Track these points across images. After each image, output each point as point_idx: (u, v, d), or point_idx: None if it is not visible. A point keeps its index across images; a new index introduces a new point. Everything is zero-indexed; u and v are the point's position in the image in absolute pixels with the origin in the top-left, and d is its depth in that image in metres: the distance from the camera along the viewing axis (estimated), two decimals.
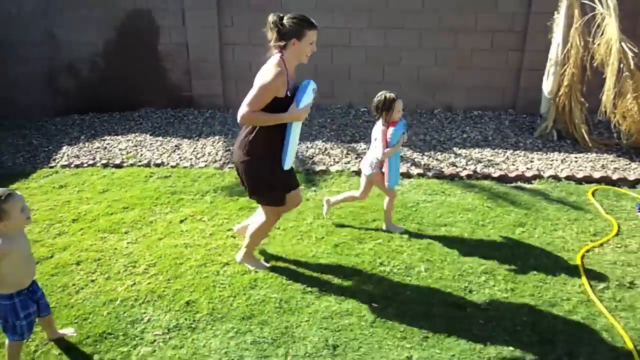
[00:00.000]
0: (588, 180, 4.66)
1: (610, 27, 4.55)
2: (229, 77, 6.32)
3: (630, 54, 4.51)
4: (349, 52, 6.09)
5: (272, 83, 2.77)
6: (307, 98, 2.89)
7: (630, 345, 2.65)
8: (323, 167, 4.86)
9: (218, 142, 5.50)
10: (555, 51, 5.03)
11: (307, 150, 5.24)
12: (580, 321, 2.85)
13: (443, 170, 4.81)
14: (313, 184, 4.61)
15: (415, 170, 4.79)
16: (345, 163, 4.96)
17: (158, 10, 6.14)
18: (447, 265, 3.36)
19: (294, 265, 3.36)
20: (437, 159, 5.05)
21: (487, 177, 4.72)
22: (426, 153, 5.18)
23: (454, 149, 5.27)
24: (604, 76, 4.78)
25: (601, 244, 3.65)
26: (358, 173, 4.75)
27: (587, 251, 3.56)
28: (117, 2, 6.16)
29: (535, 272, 3.30)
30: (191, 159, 5.16)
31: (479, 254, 3.47)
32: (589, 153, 5.17)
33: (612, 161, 5.03)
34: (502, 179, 4.69)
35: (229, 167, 4.92)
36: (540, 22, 5.33)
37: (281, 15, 2.81)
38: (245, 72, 6.19)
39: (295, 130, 2.95)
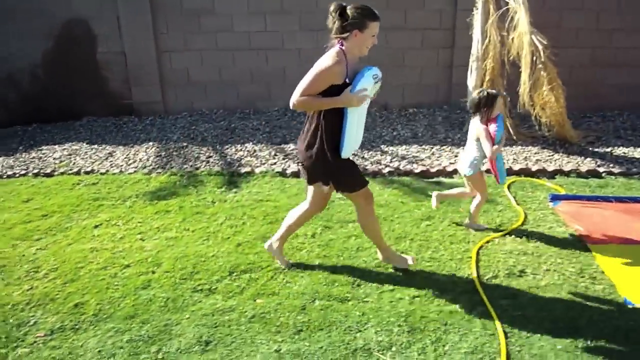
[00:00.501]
0: (508, 172, 4.72)
1: (522, 21, 4.61)
2: (168, 83, 6.37)
3: (540, 47, 4.57)
4: (283, 55, 6.15)
5: (328, 70, 2.69)
6: (364, 83, 2.74)
7: (500, 333, 2.69)
8: (248, 169, 4.90)
9: (151, 148, 5.53)
10: (475, 47, 5.10)
11: (235, 153, 5.28)
12: (458, 310, 2.89)
13: (367, 167, 4.85)
14: (235, 185, 4.64)
15: None
16: (272, 164, 5.00)
17: (94, 19, 6.18)
18: (342, 261, 3.40)
19: (191, 266, 3.39)
20: (363, 157, 5.10)
21: (409, 173, 4.77)
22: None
23: (382, 146, 5.33)
24: (520, 69, 4.85)
25: (504, 235, 3.70)
26: (282, 174, 4.80)
27: (488, 242, 3.61)
28: (54, 12, 6.20)
29: (429, 264, 3.35)
30: (122, 165, 5.19)
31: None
32: (514, 146, 5.24)
33: (535, 153, 5.10)
34: (424, 175, 4.74)
35: (157, 172, 4.96)
36: (466, 18, 5.40)
37: (344, 4, 2.69)
38: (184, 78, 6.34)
39: (352, 117, 2.81)
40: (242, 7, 5.98)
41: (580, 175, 4.68)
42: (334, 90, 2.74)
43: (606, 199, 4.14)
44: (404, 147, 5.30)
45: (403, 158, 5.06)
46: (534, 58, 4.67)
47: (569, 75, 5.96)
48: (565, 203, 4.10)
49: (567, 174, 4.69)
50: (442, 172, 4.75)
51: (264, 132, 5.76)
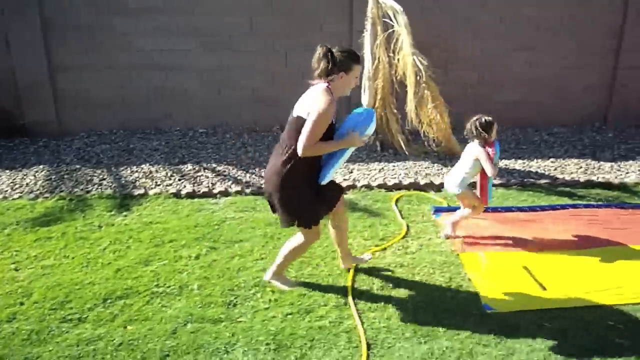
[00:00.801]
0: (398, 187, 4.92)
1: (405, 42, 4.85)
2: (63, 102, 6.15)
3: (421, 67, 4.82)
4: (184, 74, 6.12)
5: (327, 113, 2.75)
6: (372, 127, 2.98)
7: (363, 345, 2.78)
8: (142, 191, 4.81)
9: (41, 172, 5.30)
10: (367, 67, 5.29)
11: (130, 175, 5.17)
12: (327, 325, 2.96)
13: (262, 186, 4.89)
14: (125, 208, 4.54)
15: (234, 188, 4.84)
16: (167, 185, 4.94)
17: None
18: (220, 282, 3.40)
19: (63, 295, 3.27)
20: (260, 176, 5.13)
21: None
22: (251, 171, 5.26)
23: None
24: (406, 88, 5.09)
25: (384, 248, 3.84)
26: (176, 194, 4.74)
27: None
28: None
29: (308, 280, 3.42)
30: (7, 190, 4.94)
31: (257, 268, 3.54)
32: (407, 161, 5.46)
33: (426, 167, 5.34)
34: None
35: (44, 197, 4.76)
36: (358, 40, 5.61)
37: (330, 47, 2.83)
38: (81, 96, 6.14)
39: (347, 153, 2.99)
40: (143, 25, 5.90)
41: None
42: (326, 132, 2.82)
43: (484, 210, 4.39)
44: None
45: None
46: (418, 77, 4.92)
47: (463, 93, 6.35)
48: (446, 214, 4.31)
49: None
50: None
51: (163, 153, 5.68)
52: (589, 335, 2.89)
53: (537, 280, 3.40)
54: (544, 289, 3.32)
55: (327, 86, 2.84)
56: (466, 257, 3.69)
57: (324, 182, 3.00)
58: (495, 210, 4.40)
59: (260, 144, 5.94)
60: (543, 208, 4.46)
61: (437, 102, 4.97)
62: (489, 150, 3.71)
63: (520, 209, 4.44)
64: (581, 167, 5.47)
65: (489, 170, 3.69)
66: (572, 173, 5.33)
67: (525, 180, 5.11)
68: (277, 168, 2.91)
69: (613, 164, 5.61)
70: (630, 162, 5.68)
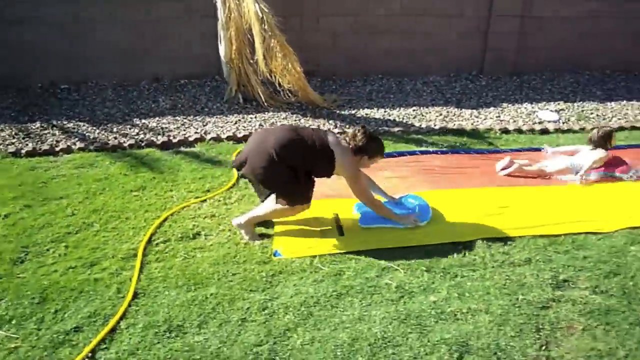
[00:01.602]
0: (248, 138, 4.85)
1: None
2: None
3: (261, 15, 4.71)
4: (43, 27, 5.81)
5: (357, 174, 3.32)
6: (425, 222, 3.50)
7: (130, 295, 2.78)
8: None
9: None
10: (220, 15, 5.14)
11: None
12: (104, 277, 2.95)
13: (109, 142, 4.78)
14: None
15: (78, 145, 4.71)
16: (8, 144, 4.75)
17: None
18: (18, 239, 3.32)
19: None
20: (111, 132, 5.01)
21: (150, 144, 4.76)
22: (103, 126, 5.12)
23: (135, 119, 5.26)
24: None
25: (204, 200, 3.82)
26: (15, 154, 4.58)
27: (184, 208, 3.70)
28: None
29: (106, 234, 3.38)
30: None
31: (63, 224, 3.48)
32: (267, 113, 5.40)
33: (284, 118, 5.30)
34: (165, 146, 4.76)
35: None
36: None
37: (368, 132, 3.30)
38: None
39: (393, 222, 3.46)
40: None
41: None
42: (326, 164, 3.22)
43: None
44: (157, 119, 5.28)
45: (151, 130, 5.04)
46: (263, 26, 4.80)
47: (332, 42, 6.28)
48: None
49: None
50: (184, 142, 4.80)
51: (14, 111, 5.45)
52: (359, 277, 2.96)
53: (339, 225, 3.46)
54: (342, 234, 3.38)
55: (352, 156, 3.28)
56: None
57: (362, 226, 3.47)
58: None
59: (122, 99, 5.76)
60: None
61: (285, 51, 4.88)
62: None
63: None
64: (441, 115, 5.54)
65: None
66: (430, 121, 5.39)
67: (380, 128, 5.14)
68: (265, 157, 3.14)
69: (474, 111, 5.70)
70: (492, 109, 5.78)
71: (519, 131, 5.27)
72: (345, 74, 6.44)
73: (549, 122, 5.53)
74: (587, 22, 6.77)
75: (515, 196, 3.89)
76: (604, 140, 4.32)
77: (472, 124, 5.36)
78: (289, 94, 5.35)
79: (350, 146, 3.27)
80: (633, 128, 5.51)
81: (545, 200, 3.86)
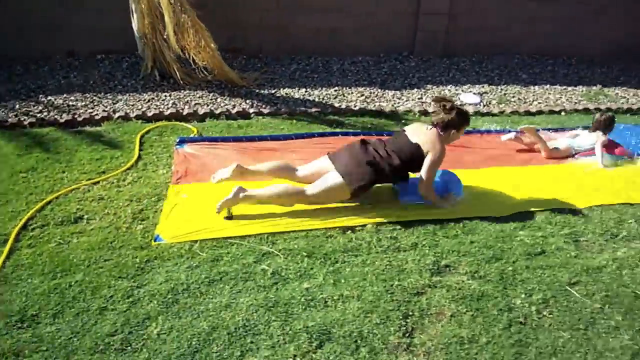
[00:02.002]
0: (158, 117, 4.70)
1: None
2: None
3: None
4: None
5: (443, 157, 3.38)
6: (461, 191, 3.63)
7: None
8: None
9: None
10: None
11: None
12: None
13: (8, 120, 4.52)
14: None
15: None
16: None
17: None
18: None
19: None
20: (12, 109, 4.73)
21: (53, 123, 4.53)
22: (4, 103, 4.83)
23: (40, 96, 5.00)
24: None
25: (96, 182, 3.65)
26: None
27: (73, 190, 3.53)
28: None
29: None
30: None
31: None
32: (183, 91, 5.22)
33: (200, 97, 5.13)
34: (69, 124, 4.53)
35: None
36: None
37: (452, 104, 3.37)
38: None
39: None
40: None
41: (229, 117, 4.80)
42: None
43: (226, 140, 4.28)
44: (64, 96, 5.02)
45: (56, 108, 4.79)
46: (171, 0, 4.60)
47: (259, 19, 6.10)
48: (190, 145, 4.17)
49: (217, 116, 4.79)
50: (90, 121, 4.58)
51: None
52: (235, 263, 2.88)
53: (229, 210, 3.35)
54: (231, 218, 3.28)
55: (441, 134, 3.37)
56: (174, 189, 3.58)
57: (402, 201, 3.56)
58: (238, 139, 4.29)
59: (30, 75, 5.45)
60: (288, 137, 4.40)
61: (197, 26, 4.70)
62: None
63: (263, 138, 4.35)
64: (363, 96, 5.47)
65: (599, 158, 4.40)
66: (350, 102, 5.32)
67: (297, 108, 5.04)
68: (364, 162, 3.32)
69: (397, 92, 5.65)
70: (415, 90, 5.74)
71: None
72: (272, 53, 6.29)
73: (470, 104, 5.53)
74: (517, 6, 6.77)
75: None
76: (605, 124, 4.52)
77: (392, 105, 5.31)
78: (205, 72, 5.17)
79: (438, 127, 3.37)
80: (551, 112, 5.57)
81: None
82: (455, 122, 3.35)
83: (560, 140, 4.62)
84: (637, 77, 6.88)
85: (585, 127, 4.81)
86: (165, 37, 5.04)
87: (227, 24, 5.96)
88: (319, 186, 3.30)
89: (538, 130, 4.57)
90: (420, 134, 3.37)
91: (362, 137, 3.83)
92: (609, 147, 4.52)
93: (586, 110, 5.67)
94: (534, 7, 6.83)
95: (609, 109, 5.74)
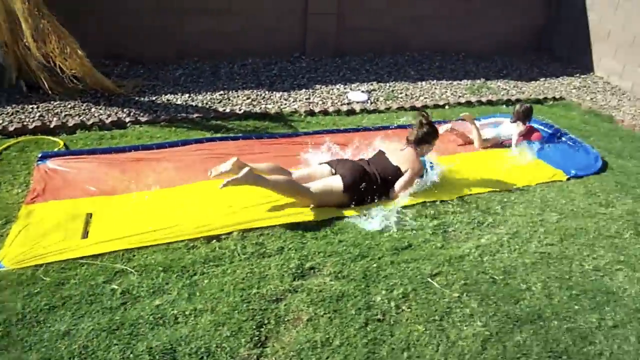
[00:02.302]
0: (22, 131, 4.35)
1: None
2: None
3: None
4: None
5: (419, 174, 3.77)
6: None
7: None
8: None
9: None
10: None
11: None
12: None
13: None
14: None
15: None
16: None
17: None
18: None
19: None
20: None
21: None
22: None
23: None
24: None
25: None
26: None
27: None
28: None
29: None
30: None
31: None
32: (54, 102, 4.88)
33: (72, 107, 4.82)
34: None
35: None
36: None
37: (428, 119, 3.78)
38: None
39: None
40: None
41: (103, 127, 4.54)
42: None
43: (93, 152, 4.03)
44: None
45: None
46: (26, 4, 4.27)
47: (139, 23, 5.84)
48: (53, 160, 3.87)
49: (89, 127, 4.51)
50: None
51: None
52: (83, 285, 2.68)
53: (86, 228, 3.13)
54: (86, 236, 3.06)
55: (416, 151, 3.78)
56: (26, 210, 3.30)
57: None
58: (107, 151, 4.05)
59: None
60: (161, 145, 4.20)
61: (59, 33, 4.40)
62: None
63: (134, 148, 4.13)
64: (249, 99, 5.37)
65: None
66: (235, 105, 5.19)
67: (178, 115, 4.85)
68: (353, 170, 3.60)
69: (285, 93, 5.59)
70: (303, 91, 5.71)
71: (325, 113, 5.25)
72: (157, 58, 6.05)
73: (357, 102, 5.57)
74: (404, 5, 6.93)
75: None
76: (524, 115, 4.81)
77: (279, 107, 5.25)
78: (75, 81, 4.86)
79: (413, 145, 3.76)
80: (436, 106, 5.72)
81: None
82: (427, 137, 3.76)
83: (487, 131, 4.86)
84: (518, 70, 7.26)
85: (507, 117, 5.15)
86: (26, 44, 4.68)
87: (106, 30, 5.67)
88: (320, 185, 3.49)
89: (476, 119, 4.87)
90: (398, 156, 3.74)
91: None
92: (527, 134, 4.84)
93: (469, 103, 5.88)
94: (421, 6, 7.01)
95: (489, 101, 5.99)
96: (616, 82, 7.04)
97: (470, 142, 4.80)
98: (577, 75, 7.28)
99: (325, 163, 3.74)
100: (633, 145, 5.17)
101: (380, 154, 3.82)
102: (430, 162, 3.98)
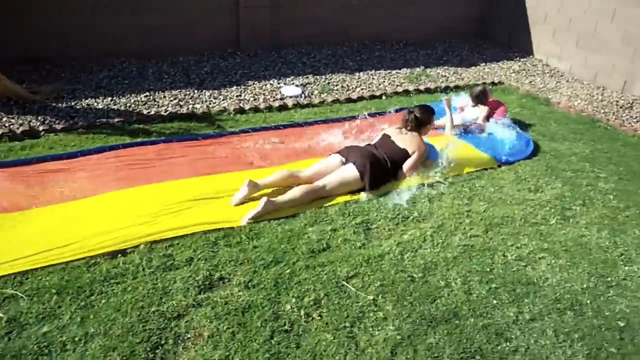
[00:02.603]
0: None
1: None
2: None
3: None
4: None
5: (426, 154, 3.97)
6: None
7: None
8: None
9: None
10: None
11: None
12: None
13: None
14: None
15: None
16: None
17: None
18: None
19: None
20: None
21: None
22: None
23: None
24: None
25: None
26: None
27: None
28: None
29: None
30: None
31: None
32: None
33: None
34: None
35: None
36: None
37: (419, 116, 4.00)
38: None
39: None
40: None
41: (13, 137, 4.26)
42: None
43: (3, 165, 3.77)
44: None
45: None
46: None
47: (58, 23, 5.53)
48: None
49: None
50: None
51: None
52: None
53: None
54: None
55: (420, 134, 4.01)
56: None
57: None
58: (12, 164, 3.79)
59: None
60: (72, 155, 3.96)
61: None
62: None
63: (42, 159, 3.87)
64: (176, 99, 5.14)
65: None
66: (161, 107, 4.97)
67: (97, 120, 4.60)
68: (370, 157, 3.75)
69: (215, 91, 5.39)
70: (235, 88, 5.52)
71: (256, 110, 5.07)
72: (78, 60, 5.74)
73: (290, 97, 5.41)
74: None
75: (211, 186, 3.62)
76: (481, 96, 4.93)
77: (207, 106, 5.04)
78: None
79: (415, 129, 3.97)
80: (372, 97, 5.61)
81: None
82: (424, 117, 3.98)
83: (454, 117, 4.81)
84: (459, 57, 7.21)
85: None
86: None
87: (23, 30, 5.36)
88: (335, 178, 3.59)
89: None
90: (404, 139, 3.92)
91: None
92: (493, 113, 4.93)
93: (406, 92, 5.79)
94: None
95: (427, 89, 5.91)
96: (555, 64, 7.06)
97: (442, 126, 4.73)
98: (517, 59, 7.29)
99: (335, 153, 3.85)
100: (567, 127, 5.17)
101: (386, 137, 3.98)
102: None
